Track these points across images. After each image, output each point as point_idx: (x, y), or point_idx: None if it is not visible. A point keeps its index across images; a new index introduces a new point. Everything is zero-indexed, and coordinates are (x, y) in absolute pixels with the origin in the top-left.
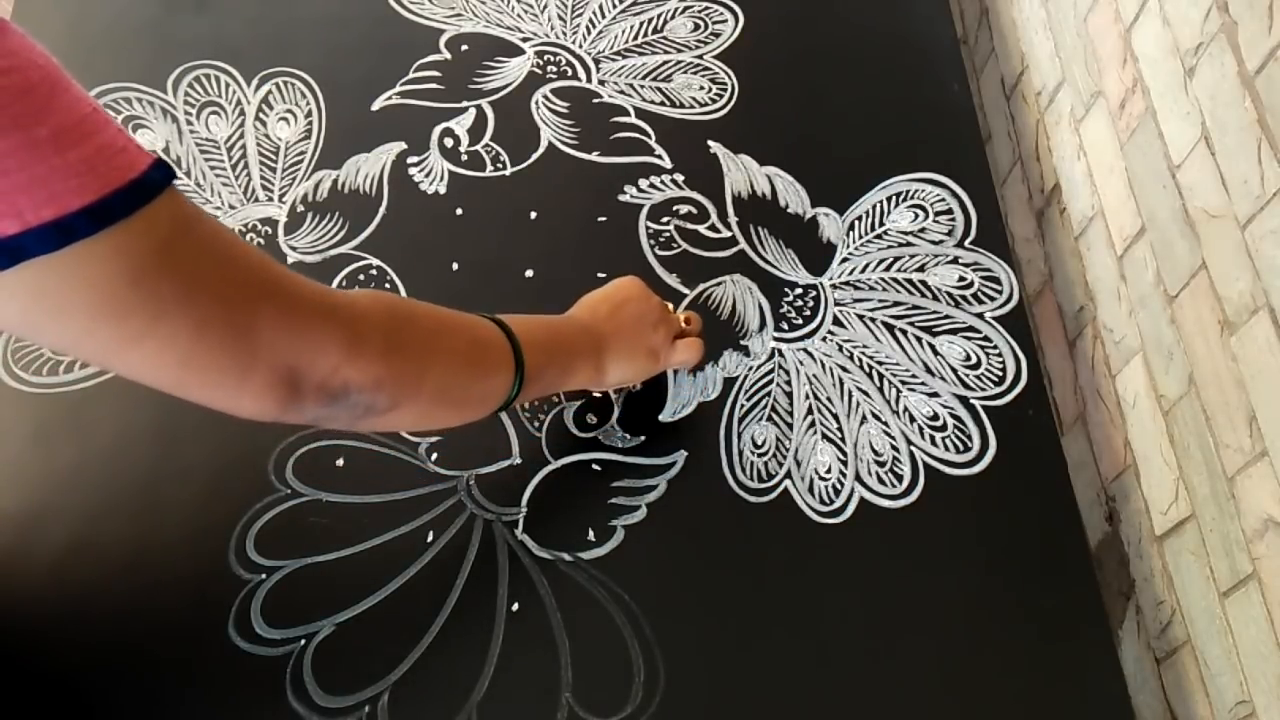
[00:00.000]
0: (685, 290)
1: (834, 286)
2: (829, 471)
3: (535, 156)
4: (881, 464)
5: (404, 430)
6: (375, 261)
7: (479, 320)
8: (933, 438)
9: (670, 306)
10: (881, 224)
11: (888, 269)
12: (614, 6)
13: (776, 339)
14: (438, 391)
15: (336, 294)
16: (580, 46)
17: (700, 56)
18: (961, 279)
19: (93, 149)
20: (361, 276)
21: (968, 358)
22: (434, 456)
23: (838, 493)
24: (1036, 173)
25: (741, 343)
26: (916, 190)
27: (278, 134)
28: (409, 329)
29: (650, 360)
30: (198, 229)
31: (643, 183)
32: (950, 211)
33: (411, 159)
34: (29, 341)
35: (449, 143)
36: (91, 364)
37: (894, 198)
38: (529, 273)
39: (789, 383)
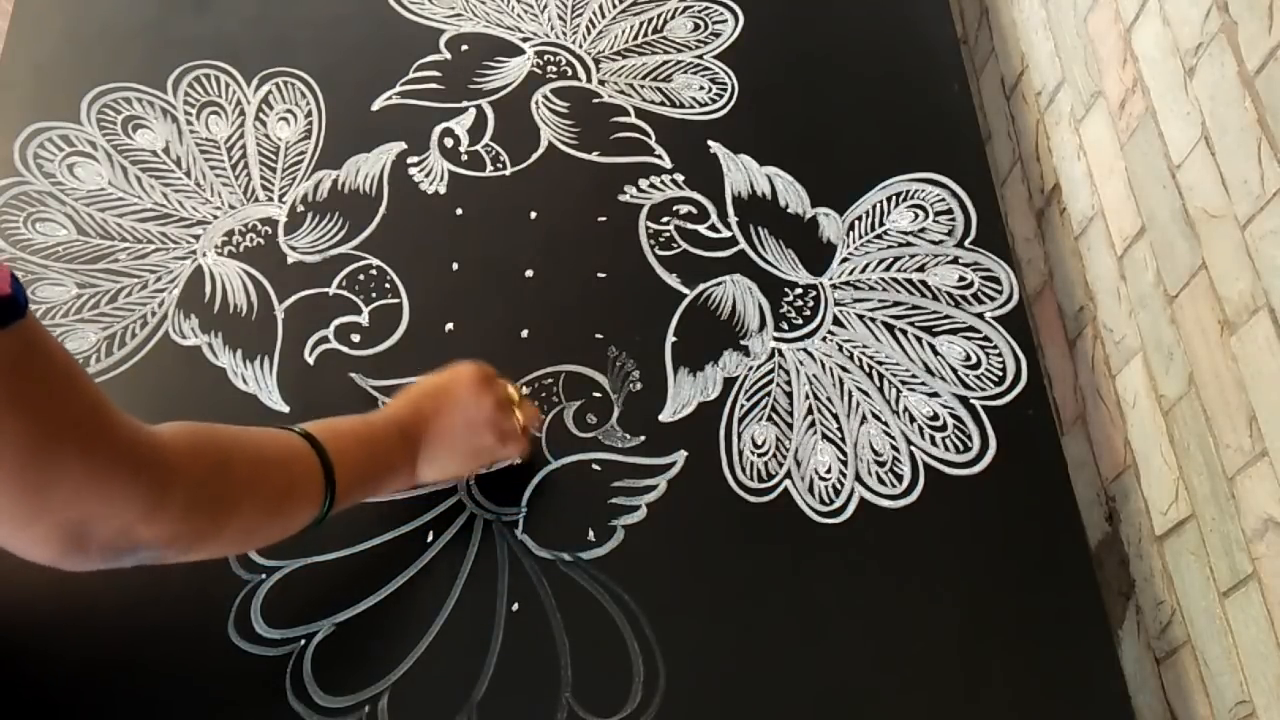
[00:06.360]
0: (685, 290)
1: (834, 286)
2: (829, 471)
3: (535, 156)
4: (881, 464)
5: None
6: (375, 261)
7: (296, 452)
8: (933, 438)
9: (515, 394)
10: (881, 224)
11: (888, 269)
12: (614, 6)
13: (776, 339)
14: (236, 537)
15: (153, 441)
16: (580, 46)
17: (700, 56)
18: (961, 279)
19: None
20: (361, 276)
21: (968, 358)
22: None
23: (838, 493)
24: (1036, 173)
25: (741, 343)
26: (916, 190)
27: (278, 134)
28: (221, 480)
29: (472, 460)
30: (39, 359)
31: (643, 183)
32: (950, 211)
33: (411, 159)
34: None
35: (449, 143)
36: None
37: (894, 198)
38: (529, 273)
39: (789, 383)
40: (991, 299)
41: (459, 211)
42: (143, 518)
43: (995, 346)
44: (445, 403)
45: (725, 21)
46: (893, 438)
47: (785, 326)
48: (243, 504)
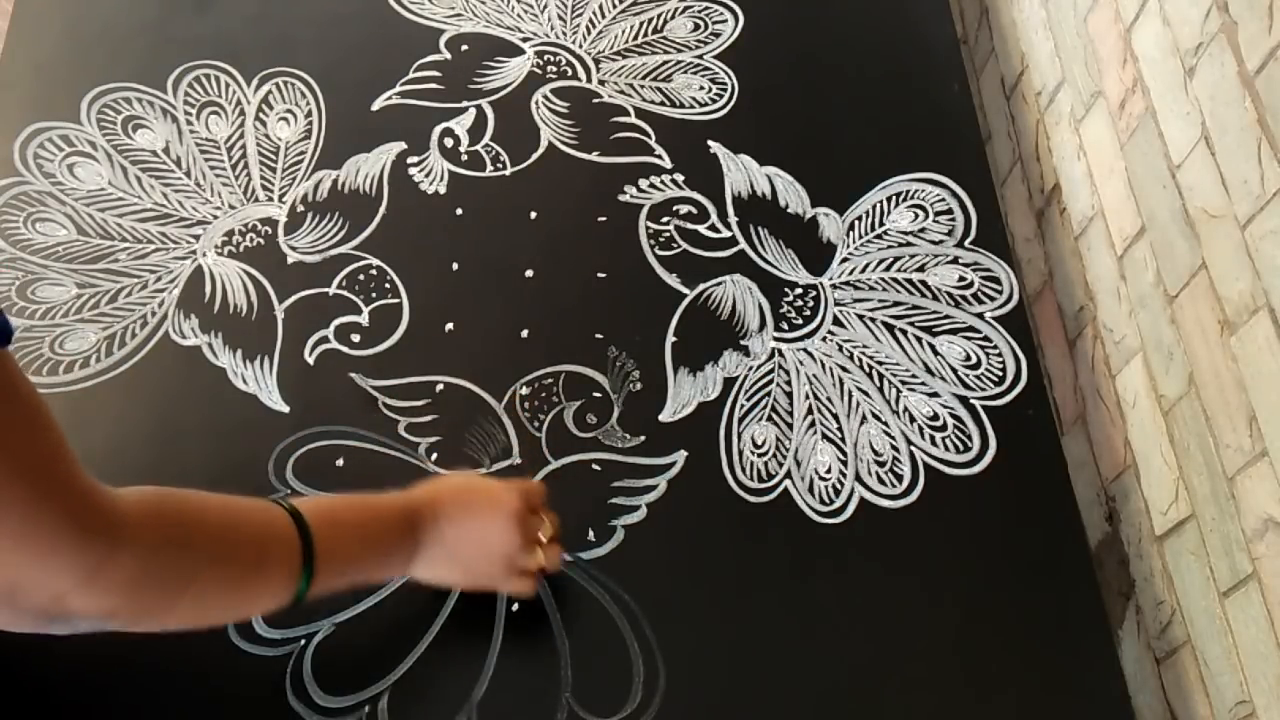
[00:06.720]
0: (685, 290)
1: (834, 286)
2: (829, 471)
3: (535, 156)
4: (881, 464)
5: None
6: (375, 261)
7: (275, 529)
8: (933, 438)
9: (548, 531)
10: (881, 224)
11: (888, 269)
12: (614, 6)
13: (776, 339)
14: (192, 613)
15: (106, 505)
16: (580, 46)
17: (700, 56)
18: (961, 279)
19: None
20: (361, 276)
21: (968, 358)
22: (434, 457)
23: (838, 493)
24: (1036, 173)
25: (741, 343)
26: (916, 190)
27: (278, 134)
28: (177, 552)
29: (469, 579)
30: (9, 396)
31: (643, 183)
32: (950, 211)
33: (411, 159)
34: None
35: (449, 143)
36: None
37: (894, 198)
38: (529, 273)
39: (789, 383)
40: (991, 299)
41: (459, 211)
42: (78, 587)
43: (995, 346)
44: (471, 519)
45: (725, 21)
46: (893, 438)
47: (785, 326)
48: (201, 579)
